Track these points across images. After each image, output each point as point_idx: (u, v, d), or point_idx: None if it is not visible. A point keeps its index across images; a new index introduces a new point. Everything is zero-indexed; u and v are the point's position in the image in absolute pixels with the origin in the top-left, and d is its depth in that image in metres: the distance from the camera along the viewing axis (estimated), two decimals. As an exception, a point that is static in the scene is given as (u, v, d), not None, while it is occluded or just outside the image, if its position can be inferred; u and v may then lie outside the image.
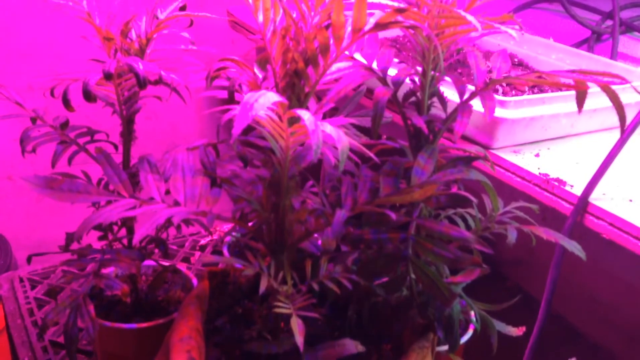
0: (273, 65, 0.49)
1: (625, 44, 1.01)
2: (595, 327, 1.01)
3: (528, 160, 0.73)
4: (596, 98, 0.78)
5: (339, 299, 0.58)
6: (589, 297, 0.96)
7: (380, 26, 0.47)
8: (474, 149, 0.63)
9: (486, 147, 0.76)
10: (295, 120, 0.42)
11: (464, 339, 0.60)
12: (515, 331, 0.62)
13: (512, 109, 0.74)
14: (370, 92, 0.62)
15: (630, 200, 0.66)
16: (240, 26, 1.15)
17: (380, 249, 0.54)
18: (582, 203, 0.66)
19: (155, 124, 1.18)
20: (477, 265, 0.49)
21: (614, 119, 0.53)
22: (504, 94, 0.83)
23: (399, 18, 0.47)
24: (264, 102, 0.38)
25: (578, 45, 1.03)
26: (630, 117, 0.72)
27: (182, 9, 0.60)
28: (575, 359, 0.47)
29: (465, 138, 0.78)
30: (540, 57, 0.98)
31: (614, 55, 0.99)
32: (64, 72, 0.56)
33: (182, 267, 0.66)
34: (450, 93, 0.57)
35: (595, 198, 0.66)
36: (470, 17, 0.43)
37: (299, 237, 0.52)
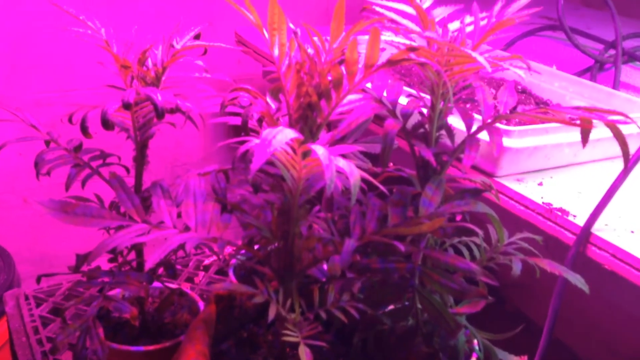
0: (287, 98, 0.50)
1: (628, 73, 1.03)
2: (596, 354, 1.01)
3: (531, 189, 0.74)
4: (599, 129, 0.79)
5: (344, 327, 0.58)
6: (590, 324, 0.97)
7: (392, 63, 0.48)
8: (479, 179, 0.64)
9: (490, 175, 0.77)
10: (308, 152, 0.43)
11: (468, 366, 0.61)
12: (517, 360, 0.63)
13: (516, 139, 0.75)
14: (377, 117, 0.63)
15: (632, 232, 0.67)
16: (248, 48, 1.16)
17: (386, 277, 0.54)
18: (585, 234, 0.67)
19: (160, 140, 1.19)
20: (482, 297, 0.50)
21: (616, 149, 0.54)
22: (508, 122, 0.84)
23: (412, 56, 0.49)
24: (282, 138, 0.39)
25: (581, 73, 1.05)
26: (633, 147, 0.74)
27: (197, 37, 0.62)
28: None
29: (470, 166, 0.79)
30: (543, 85, 0.99)
31: (616, 84, 1.00)
32: (72, 89, 0.57)
33: (188, 289, 0.67)
34: (456, 122, 0.59)
35: (598, 229, 0.67)
36: (479, 58, 0.44)
37: (307, 264, 0.53)
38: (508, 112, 0.55)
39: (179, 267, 0.91)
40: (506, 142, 0.75)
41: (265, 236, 0.53)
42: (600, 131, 0.77)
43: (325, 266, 0.57)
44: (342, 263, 0.48)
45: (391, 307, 0.55)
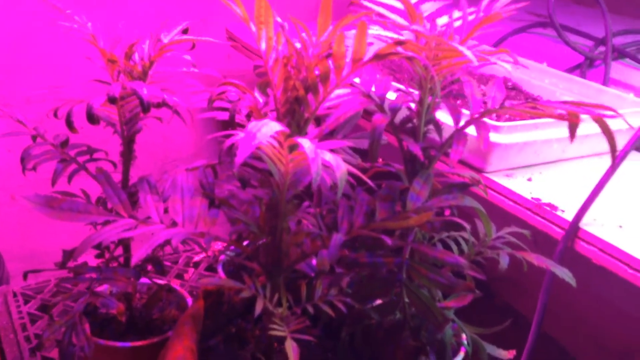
0: (274, 92, 0.50)
1: (618, 70, 1.03)
2: (584, 348, 1.02)
3: (520, 185, 0.75)
4: (588, 124, 0.80)
5: (332, 321, 0.58)
6: (578, 319, 0.97)
7: (379, 57, 0.48)
8: (468, 174, 0.64)
9: (479, 171, 0.77)
10: (295, 146, 0.43)
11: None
12: (506, 354, 0.63)
13: (506, 134, 0.75)
14: (367, 113, 0.63)
15: (620, 227, 0.68)
16: (238, 44, 1.16)
17: (374, 272, 0.54)
18: (573, 228, 0.67)
19: (149, 136, 1.19)
20: (470, 291, 0.50)
21: (605, 145, 0.54)
22: (498, 117, 0.85)
23: (399, 49, 0.48)
24: (267, 131, 0.39)
25: (571, 70, 1.05)
26: (621, 143, 0.75)
27: (185, 31, 0.61)
28: None
29: (459, 161, 0.79)
30: (534, 82, 0.99)
31: (606, 81, 1.01)
32: (62, 85, 0.57)
33: (176, 285, 0.67)
34: (445, 117, 0.59)
35: (586, 223, 0.67)
36: (466, 51, 0.44)
37: (295, 259, 0.53)
38: (496, 107, 0.55)
39: (168, 263, 0.90)
40: (495, 137, 0.75)
41: (253, 231, 0.53)
42: (588, 127, 0.77)
43: (314, 261, 0.57)
44: (329, 257, 0.48)
45: (379, 301, 0.55)
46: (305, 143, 0.41)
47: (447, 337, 0.52)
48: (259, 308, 0.48)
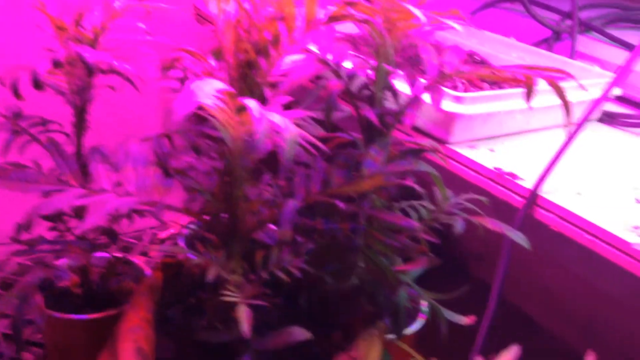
0: (226, 56, 0.49)
1: (584, 43, 1.04)
2: (552, 318, 1.04)
3: (483, 155, 0.75)
4: (550, 95, 0.80)
5: (293, 289, 0.58)
6: (544, 288, 0.99)
7: (333, 19, 0.48)
8: (428, 142, 0.64)
9: (443, 142, 0.77)
10: (243, 108, 0.43)
11: (414, 327, 0.61)
12: (465, 320, 0.63)
13: (468, 105, 0.75)
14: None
15: (579, 194, 0.68)
16: (205, 19, 1.14)
17: (333, 239, 0.54)
18: (533, 196, 0.67)
19: (118, 114, 1.16)
20: (423, 253, 0.50)
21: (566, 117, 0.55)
22: (466, 91, 0.84)
23: (352, 11, 0.48)
24: (208, 89, 0.38)
25: (538, 44, 1.05)
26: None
27: (140, -3, 0.60)
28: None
29: (423, 133, 0.79)
30: (502, 56, 1.00)
31: (572, 54, 1.01)
32: (13, 54, 0.55)
33: (134, 258, 0.66)
34: (402, 85, 0.58)
35: (546, 191, 0.68)
36: (416, 11, 0.44)
37: (251, 227, 0.53)
38: (454, 71, 0.54)
39: (133, 240, 0.90)
40: (458, 108, 0.75)
41: (209, 201, 0.52)
42: (551, 98, 0.78)
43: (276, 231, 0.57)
44: (284, 223, 0.48)
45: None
46: (251, 103, 0.40)
47: (401, 300, 0.52)
48: (211, 275, 0.48)
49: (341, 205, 0.46)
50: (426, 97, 0.54)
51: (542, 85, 0.95)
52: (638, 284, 0.60)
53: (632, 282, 0.60)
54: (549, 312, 1.03)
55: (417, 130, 0.80)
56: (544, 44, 1.04)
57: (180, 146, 0.61)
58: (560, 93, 0.53)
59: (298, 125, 0.52)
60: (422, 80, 0.57)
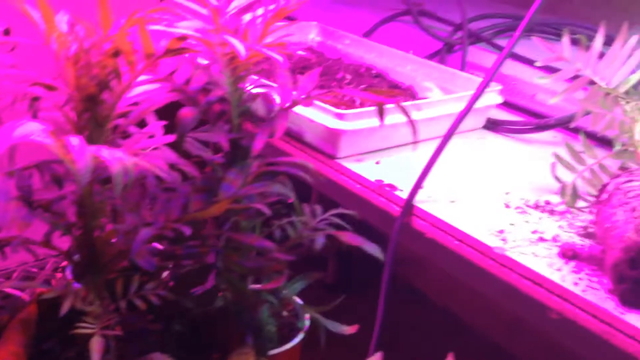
0: (70, 90, 0.50)
1: (475, 54, 1.09)
2: (479, 318, 1.08)
3: (369, 168, 0.78)
4: (433, 108, 0.85)
5: (169, 315, 0.59)
6: (472, 292, 1.03)
7: (170, 52, 0.49)
8: (300, 160, 0.66)
9: (332, 157, 0.80)
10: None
11: (295, 341, 0.63)
12: (347, 330, 0.66)
13: (352, 121, 0.78)
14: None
15: (453, 202, 0.72)
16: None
17: (196, 263, 0.56)
18: (408, 206, 0.71)
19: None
20: (279, 272, 0.52)
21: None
22: (361, 106, 0.87)
23: (191, 44, 0.50)
24: (23, 131, 0.39)
25: (432, 56, 1.10)
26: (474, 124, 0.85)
27: (6, 33, 0.60)
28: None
29: (313, 148, 0.82)
30: (397, 69, 1.04)
31: (463, 65, 1.06)
32: None
33: (16, 292, 0.66)
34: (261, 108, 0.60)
35: (421, 200, 0.71)
36: (235, 42, 0.46)
37: (111, 257, 0.53)
38: (304, 95, 0.57)
39: (35, 270, 0.89)
40: (341, 125, 0.78)
41: (66, 233, 0.53)
42: (435, 110, 0.82)
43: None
44: (133, 253, 0.49)
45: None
46: (74, 141, 0.41)
47: (264, 318, 0.54)
48: (64, 308, 0.49)
49: (187, 231, 0.48)
50: (318, 117, 0.56)
51: (436, 95, 0.99)
52: (503, 285, 0.63)
53: (498, 283, 0.64)
54: (478, 314, 1.08)
55: (309, 146, 0.83)
56: (437, 56, 1.09)
57: (47, 179, 0.61)
58: (405, 112, 0.56)
59: (179, 149, 0.54)
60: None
